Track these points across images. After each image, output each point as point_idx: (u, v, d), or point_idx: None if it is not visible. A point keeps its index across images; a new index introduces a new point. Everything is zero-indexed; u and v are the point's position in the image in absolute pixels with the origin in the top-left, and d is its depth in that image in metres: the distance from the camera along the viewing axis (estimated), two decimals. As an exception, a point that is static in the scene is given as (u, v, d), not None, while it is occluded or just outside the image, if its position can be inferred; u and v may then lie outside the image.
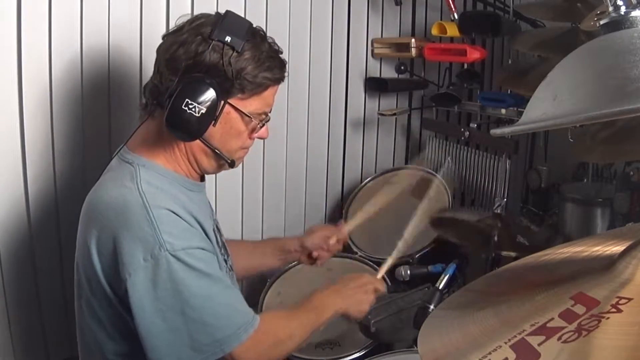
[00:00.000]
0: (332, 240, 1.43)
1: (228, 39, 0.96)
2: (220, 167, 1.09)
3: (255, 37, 1.01)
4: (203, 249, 0.99)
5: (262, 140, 1.74)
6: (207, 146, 1.03)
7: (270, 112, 1.08)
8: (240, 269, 1.35)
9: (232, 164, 1.07)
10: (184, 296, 0.93)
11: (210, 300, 0.96)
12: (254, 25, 1.03)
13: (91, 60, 1.34)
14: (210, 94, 0.95)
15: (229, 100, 1.00)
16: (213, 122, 0.98)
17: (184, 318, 0.93)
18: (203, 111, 0.95)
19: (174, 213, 0.97)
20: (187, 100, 0.94)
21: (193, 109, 0.95)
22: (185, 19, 1.01)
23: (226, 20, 0.98)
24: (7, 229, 1.28)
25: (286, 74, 1.07)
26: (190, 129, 0.97)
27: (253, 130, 1.07)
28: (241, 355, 0.98)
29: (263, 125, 1.08)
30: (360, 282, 1.25)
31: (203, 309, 0.95)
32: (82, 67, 1.33)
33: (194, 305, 0.94)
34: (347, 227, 1.51)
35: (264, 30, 1.06)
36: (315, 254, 1.42)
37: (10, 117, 1.25)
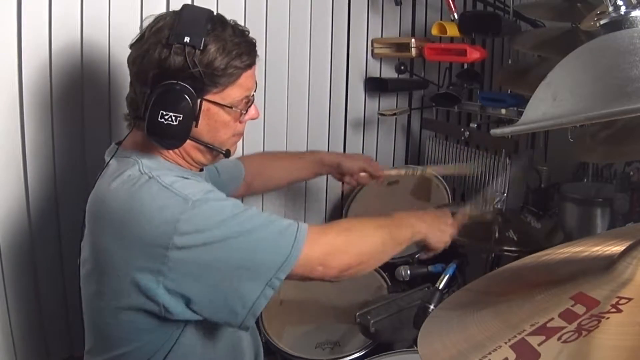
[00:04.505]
0: (364, 174, 1.56)
1: (187, 39, 0.94)
2: (215, 158, 1.09)
3: (216, 27, 0.98)
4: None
5: (262, 140, 1.76)
6: (198, 143, 1.03)
7: (254, 92, 1.07)
8: (276, 179, 1.54)
9: (227, 154, 1.07)
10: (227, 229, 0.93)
11: (251, 234, 0.95)
12: (214, 13, 1.00)
13: (91, 57, 1.34)
14: (182, 99, 0.95)
15: (206, 97, 0.99)
16: (194, 123, 0.98)
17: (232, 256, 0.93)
18: (180, 117, 0.95)
19: (184, 178, 0.98)
20: (162, 112, 0.94)
21: (170, 119, 0.94)
22: (148, 22, 1.00)
23: (182, 19, 0.96)
24: (7, 228, 1.28)
25: (258, 56, 1.05)
26: (173, 137, 0.97)
27: (240, 116, 1.06)
28: (310, 250, 0.96)
29: (248, 109, 1.06)
30: (441, 213, 1.26)
31: (253, 236, 0.94)
32: (82, 63, 1.32)
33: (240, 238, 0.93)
34: (384, 171, 1.63)
35: (226, 17, 1.04)
36: (346, 179, 1.56)
37: (10, 113, 1.25)
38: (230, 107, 1.02)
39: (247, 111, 1.06)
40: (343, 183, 1.60)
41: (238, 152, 1.65)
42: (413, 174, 1.74)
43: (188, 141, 1.00)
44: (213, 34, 0.97)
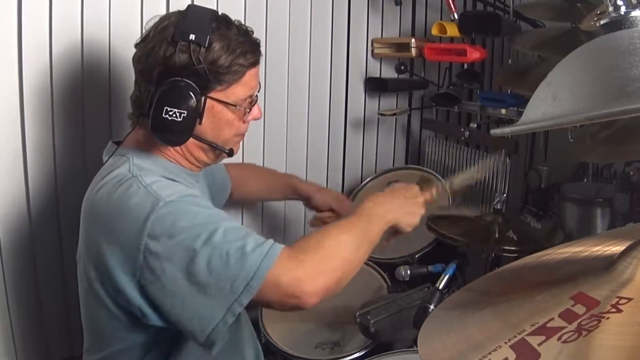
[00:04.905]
0: (327, 214, 1.52)
1: (192, 36, 0.95)
2: (218, 157, 1.09)
3: (220, 26, 0.99)
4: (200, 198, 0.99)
5: (262, 140, 1.76)
6: (202, 141, 1.03)
7: (257, 92, 1.08)
8: (250, 193, 1.54)
9: (230, 153, 1.08)
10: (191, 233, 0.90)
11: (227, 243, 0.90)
12: (219, 13, 1.02)
13: (92, 57, 1.34)
14: (187, 96, 0.96)
15: (210, 95, 1.00)
16: (198, 120, 0.99)
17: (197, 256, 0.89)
18: (185, 114, 0.95)
19: (166, 178, 0.98)
20: (166, 108, 0.95)
21: (174, 115, 0.95)
22: (152, 22, 1.01)
23: (187, 18, 0.97)
24: (7, 228, 1.28)
25: (262, 55, 1.05)
26: (176, 134, 0.97)
27: (244, 116, 1.06)
28: (278, 275, 0.88)
29: (251, 108, 1.07)
30: (410, 193, 1.19)
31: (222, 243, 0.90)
32: (83, 63, 1.33)
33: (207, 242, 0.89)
34: (353, 205, 1.59)
35: (240, 18, 1.06)
36: (314, 215, 1.54)
37: (10, 113, 1.25)
38: (235, 106, 1.02)
39: (250, 110, 1.07)
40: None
41: (238, 154, 1.65)
42: None
43: (191, 140, 1.01)
44: (218, 32, 0.98)
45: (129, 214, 0.92)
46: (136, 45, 1.02)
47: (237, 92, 1.02)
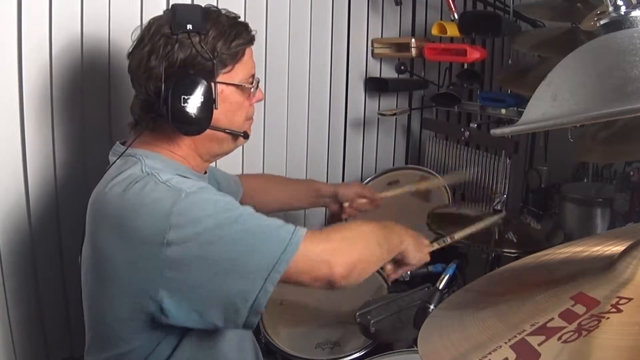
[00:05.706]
0: (362, 200, 1.53)
1: (189, 26, 0.99)
2: (236, 143, 1.12)
3: (211, 15, 1.04)
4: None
5: (262, 141, 1.76)
6: (218, 130, 1.05)
7: (255, 74, 1.12)
8: (271, 202, 1.49)
9: (246, 136, 1.11)
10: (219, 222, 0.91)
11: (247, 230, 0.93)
12: (204, 5, 1.06)
13: (92, 57, 1.34)
14: (200, 82, 0.99)
15: (218, 80, 1.03)
16: (214, 105, 1.01)
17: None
18: (202, 100, 0.99)
19: (182, 176, 0.99)
20: (183, 97, 0.97)
21: (193, 103, 0.98)
22: (139, 31, 1.04)
23: (179, 13, 1.00)
24: (7, 228, 1.28)
25: (253, 32, 1.10)
26: (198, 121, 1.00)
27: (250, 96, 1.10)
28: (310, 245, 0.94)
29: (256, 88, 1.11)
30: (419, 234, 1.24)
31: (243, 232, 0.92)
32: (82, 63, 1.33)
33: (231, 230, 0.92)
34: (382, 194, 1.59)
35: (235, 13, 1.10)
36: (345, 208, 1.51)
37: (10, 113, 1.25)
38: (242, 85, 1.06)
39: (255, 90, 1.11)
40: (342, 212, 1.54)
41: (238, 154, 1.65)
42: (410, 192, 1.70)
43: (207, 132, 1.03)
44: (211, 21, 1.02)
45: (147, 209, 0.91)
46: (130, 54, 1.04)
47: (240, 72, 1.06)
